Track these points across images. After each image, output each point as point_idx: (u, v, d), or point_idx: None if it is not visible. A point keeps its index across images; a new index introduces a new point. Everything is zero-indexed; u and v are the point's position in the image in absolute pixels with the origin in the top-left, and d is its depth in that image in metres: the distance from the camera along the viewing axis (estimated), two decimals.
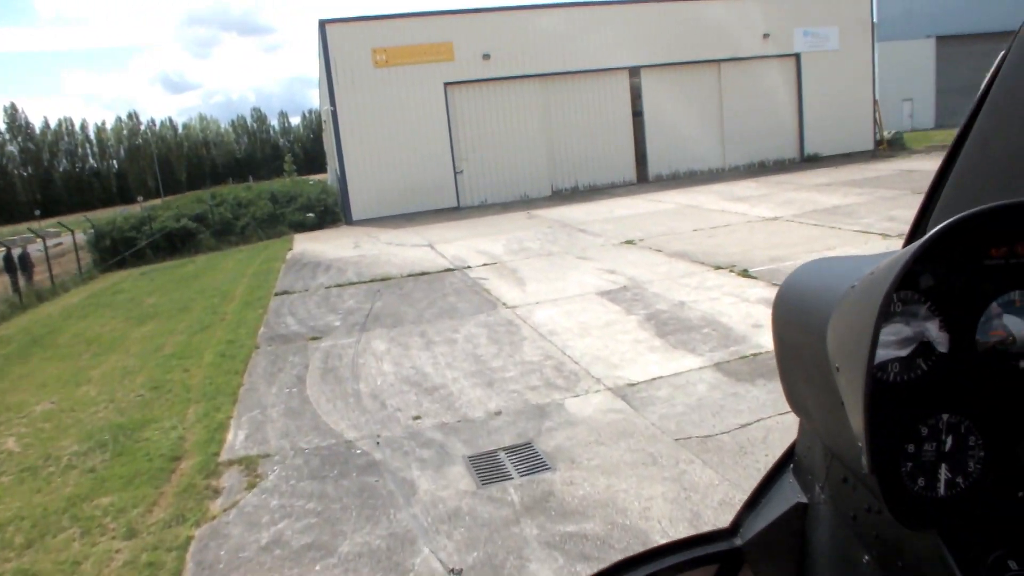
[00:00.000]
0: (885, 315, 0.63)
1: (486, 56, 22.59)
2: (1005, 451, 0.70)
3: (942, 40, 36.60)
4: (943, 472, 0.70)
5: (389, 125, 21.93)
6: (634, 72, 24.69)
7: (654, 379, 6.77)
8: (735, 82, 25.64)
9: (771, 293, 9.54)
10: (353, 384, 7.31)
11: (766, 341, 7.52)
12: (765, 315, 8.43)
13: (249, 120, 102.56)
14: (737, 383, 6.50)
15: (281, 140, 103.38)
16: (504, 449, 5.55)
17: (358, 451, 5.73)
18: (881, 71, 27.77)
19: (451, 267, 13.31)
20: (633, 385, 6.67)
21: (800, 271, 0.89)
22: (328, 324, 9.88)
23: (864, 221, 13.73)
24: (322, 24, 21.43)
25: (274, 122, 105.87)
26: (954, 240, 0.66)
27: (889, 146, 27.71)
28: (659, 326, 8.40)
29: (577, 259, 12.94)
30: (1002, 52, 0.85)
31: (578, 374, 7.08)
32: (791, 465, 1.00)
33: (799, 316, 0.83)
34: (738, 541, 1.03)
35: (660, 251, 12.86)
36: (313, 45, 24.43)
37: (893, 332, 0.69)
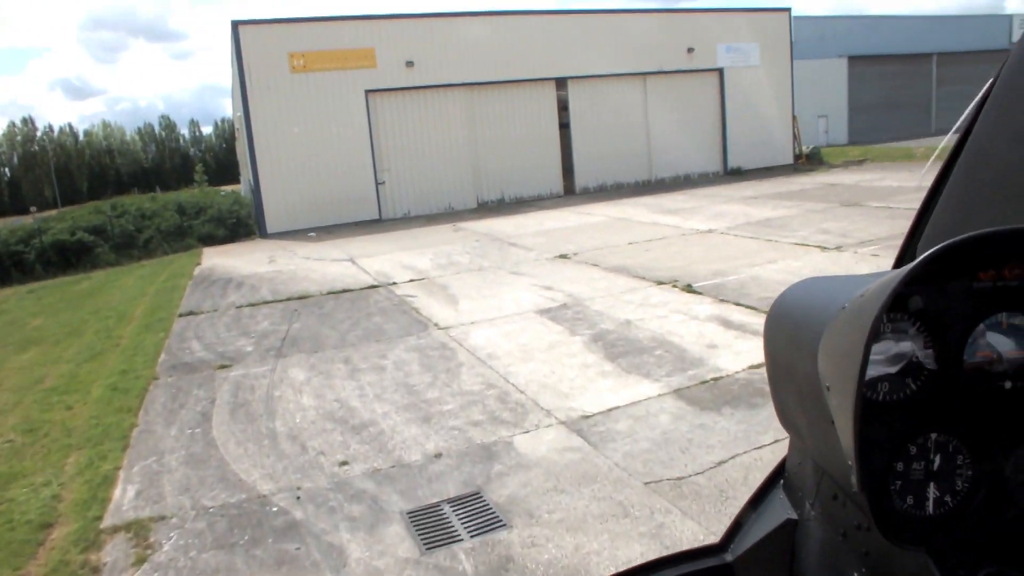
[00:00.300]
0: (875, 335, 0.63)
1: (410, 63, 21.74)
2: (992, 470, 0.71)
3: (853, 60, 37.89)
4: (931, 490, 0.71)
5: (307, 133, 20.77)
6: (561, 84, 24.29)
7: (610, 410, 6.10)
8: (661, 95, 25.60)
9: (719, 310, 9.11)
10: (268, 422, 6.36)
11: (724, 363, 6.99)
12: (718, 335, 7.92)
13: (157, 128, 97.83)
14: (702, 412, 5.90)
15: (192, 149, 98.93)
16: (449, 501, 4.75)
17: (274, 508, 4.81)
18: (797, 88, 28.32)
19: (375, 284, 12.40)
20: (588, 417, 5.98)
21: (791, 291, 0.89)
22: (239, 349, 8.83)
23: (799, 234, 13.56)
24: (235, 25, 20.13)
25: (184, 131, 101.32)
26: (943, 263, 0.66)
27: (808, 160, 28.25)
28: (607, 348, 7.76)
29: (511, 274, 12.25)
30: (992, 76, 0.85)
31: (525, 405, 6.35)
32: (781, 481, 0.99)
33: (791, 335, 0.82)
34: (728, 557, 1.01)
35: (597, 265, 12.31)
36: (226, 53, 23.00)
37: (882, 352, 0.69)
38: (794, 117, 28.05)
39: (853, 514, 0.79)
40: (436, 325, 9.28)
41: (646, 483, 4.81)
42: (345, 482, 5.12)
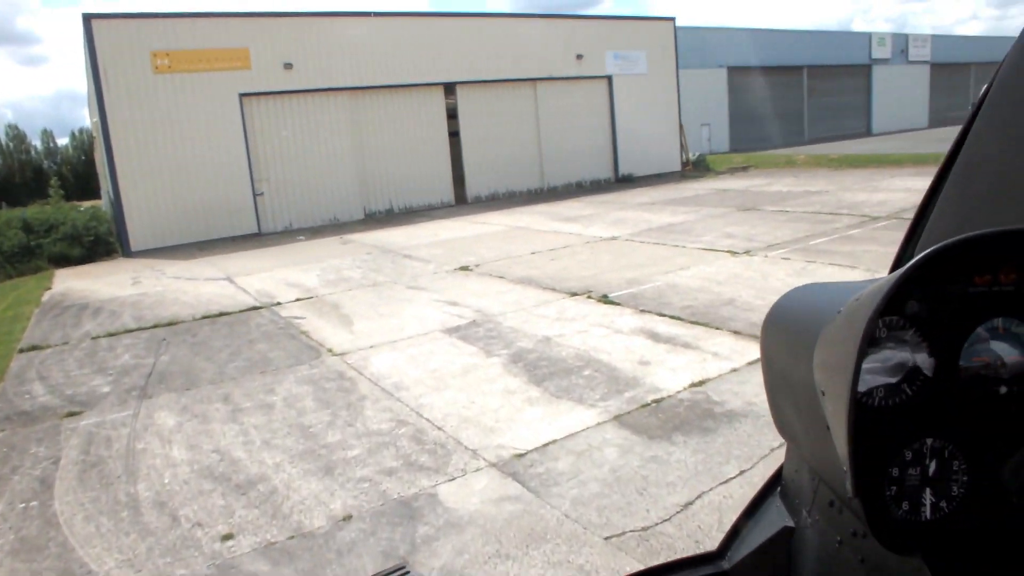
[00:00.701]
0: (870, 340, 0.66)
1: (288, 65, 20.30)
2: (988, 476, 0.71)
3: (733, 70, 39.16)
4: (927, 496, 0.71)
5: (174, 141, 18.94)
6: (450, 89, 23.45)
7: (546, 445, 5.28)
8: (552, 102, 25.23)
9: (643, 322, 8.50)
10: (128, 486, 5.12)
11: (662, 382, 6.33)
12: (648, 349, 7.27)
13: (4, 139, 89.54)
14: (651, 442, 5.18)
15: (46, 162, 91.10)
16: None
17: None
18: (681, 97, 28.72)
19: (257, 305, 11.09)
20: (522, 456, 5.14)
21: (789, 295, 0.90)
22: (94, 391, 7.42)
23: (705, 238, 13.30)
24: (87, 20, 18.05)
25: (36, 142, 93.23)
26: (939, 267, 0.67)
27: (695, 167, 28.70)
28: (530, 370, 6.95)
29: (409, 289, 11.26)
30: (988, 80, 0.85)
31: (446, 445, 5.43)
32: (778, 489, 1.00)
33: (787, 340, 0.84)
34: (725, 564, 1.01)
35: (502, 277, 11.51)
36: (84, 56, 20.73)
37: (879, 358, 0.70)
38: (681, 125, 28.43)
39: (849, 521, 0.78)
40: (330, 351, 8.19)
41: (607, 538, 4.00)
42: (230, 564, 4.02)
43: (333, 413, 6.25)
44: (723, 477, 4.58)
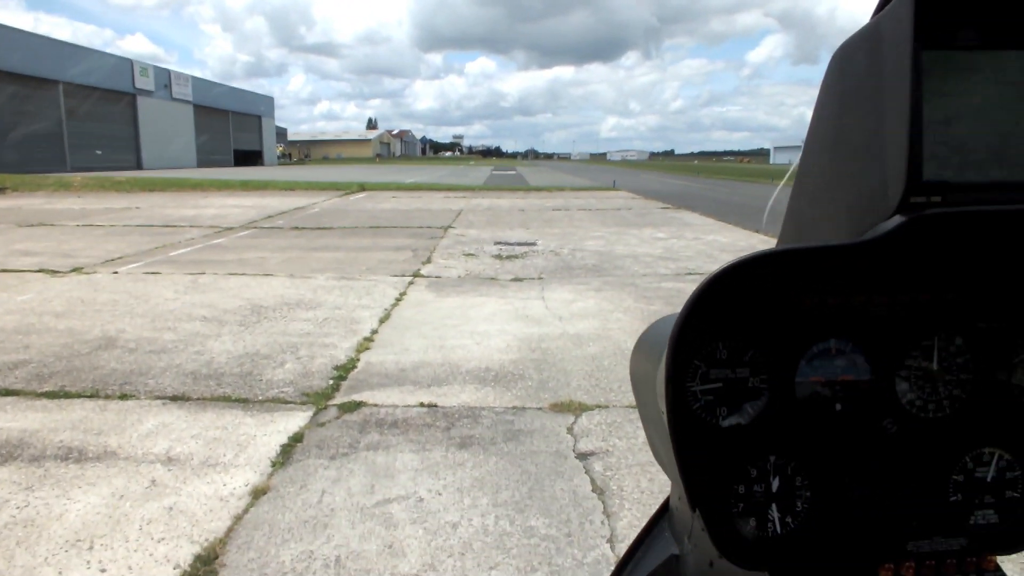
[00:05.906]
0: (711, 361, 0.66)
1: None
2: (830, 491, 0.72)
3: None
4: (773, 512, 0.71)
5: None
6: None
7: None
8: None
9: None
10: None
11: None
12: None
13: None
14: None
15: None
16: None
17: None
18: None
19: None
20: None
21: (653, 325, 0.88)
22: None
23: None
24: None
25: None
26: (766, 283, 0.66)
27: None
28: None
29: None
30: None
31: None
32: (666, 516, 0.97)
33: (643, 368, 0.84)
34: None
35: None
36: None
37: (720, 378, 0.69)
38: None
39: None
40: None
41: None
42: None
43: None
44: None
